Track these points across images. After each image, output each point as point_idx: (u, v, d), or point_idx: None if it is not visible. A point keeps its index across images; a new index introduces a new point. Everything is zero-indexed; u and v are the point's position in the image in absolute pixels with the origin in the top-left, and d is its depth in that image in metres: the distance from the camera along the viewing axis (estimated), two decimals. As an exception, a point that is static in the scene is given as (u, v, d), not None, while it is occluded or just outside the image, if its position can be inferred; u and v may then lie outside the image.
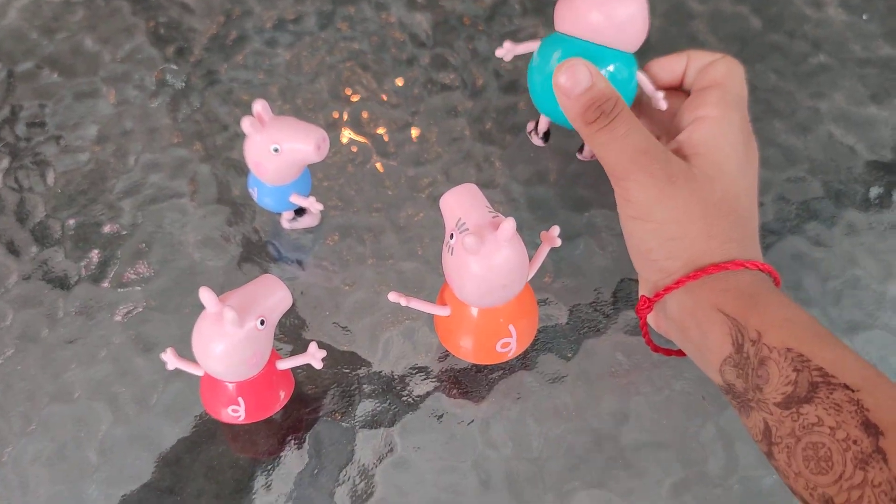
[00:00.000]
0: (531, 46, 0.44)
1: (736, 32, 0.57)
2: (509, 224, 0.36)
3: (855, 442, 0.30)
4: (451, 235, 0.37)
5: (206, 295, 0.36)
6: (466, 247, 0.35)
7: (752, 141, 0.41)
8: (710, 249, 0.38)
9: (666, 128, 0.43)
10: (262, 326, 0.37)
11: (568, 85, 0.38)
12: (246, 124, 0.42)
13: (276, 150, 0.42)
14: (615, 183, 0.39)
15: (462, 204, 0.38)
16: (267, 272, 0.47)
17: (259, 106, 0.42)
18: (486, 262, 0.36)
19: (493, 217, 0.37)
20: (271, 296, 0.38)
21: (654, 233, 0.38)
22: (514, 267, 0.37)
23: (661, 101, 0.43)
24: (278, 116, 0.43)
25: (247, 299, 0.37)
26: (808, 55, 0.56)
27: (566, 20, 0.42)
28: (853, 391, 0.31)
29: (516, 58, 0.45)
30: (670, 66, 0.44)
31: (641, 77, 0.42)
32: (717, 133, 0.39)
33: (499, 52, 0.45)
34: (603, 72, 0.40)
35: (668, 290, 0.38)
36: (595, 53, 0.41)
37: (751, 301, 0.36)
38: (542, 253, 0.41)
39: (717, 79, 0.41)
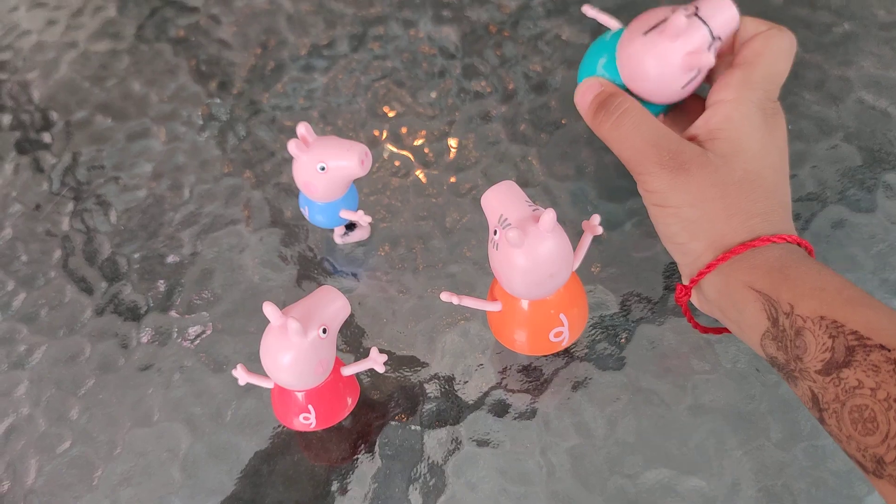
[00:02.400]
0: (611, 23, 0.45)
1: (758, 10, 0.57)
2: (549, 215, 0.37)
3: None
4: (495, 232, 0.39)
5: (269, 309, 0.38)
6: (510, 240, 0.37)
7: (776, 116, 0.41)
8: (732, 228, 0.38)
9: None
10: (325, 335, 0.39)
11: (579, 98, 0.44)
12: (292, 147, 0.44)
13: (322, 169, 0.44)
14: (633, 175, 0.41)
15: (502, 200, 0.39)
16: (324, 287, 0.49)
17: (303, 128, 0.44)
18: (531, 253, 0.37)
19: (534, 210, 0.38)
20: (330, 305, 0.40)
21: (674, 216, 0.40)
22: (559, 256, 0.38)
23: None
24: (321, 136, 0.45)
25: (308, 310, 0.39)
26: (832, 25, 0.56)
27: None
28: (890, 350, 0.31)
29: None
30: None
31: None
32: (732, 116, 0.40)
33: (586, 10, 0.46)
34: None
35: (701, 275, 0.39)
36: None
37: (780, 275, 0.36)
38: (586, 242, 0.42)
39: (746, 57, 0.41)
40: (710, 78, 0.44)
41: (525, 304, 0.41)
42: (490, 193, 0.40)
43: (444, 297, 0.41)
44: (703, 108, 0.45)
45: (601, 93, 0.42)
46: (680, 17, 0.39)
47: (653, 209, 0.41)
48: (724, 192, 0.39)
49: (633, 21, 0.42)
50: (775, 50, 0.41)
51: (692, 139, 0.40)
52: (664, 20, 0.41)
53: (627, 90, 0.43)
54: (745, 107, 0.40)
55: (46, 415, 0.47)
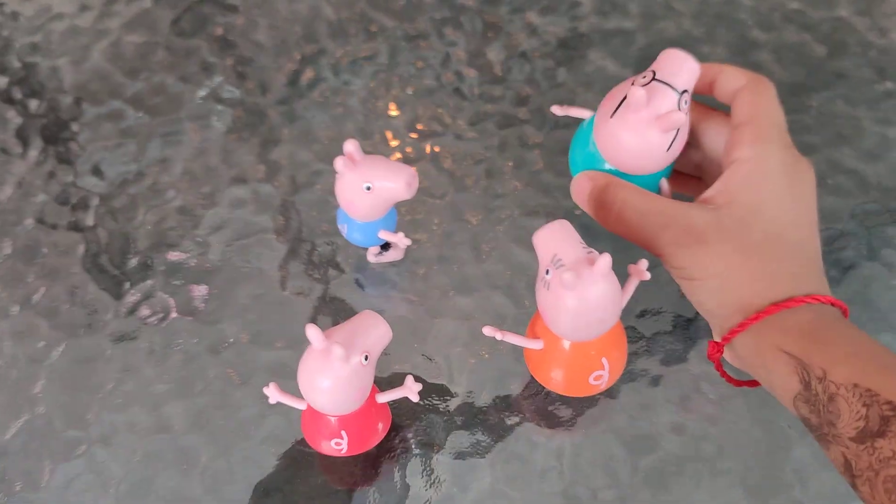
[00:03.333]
0: (583, 113, 0.46)
1: (801, 60, 0.58)
2: (605, 260, 0.36)
3: None
4: (547, 271, 0.38)
5: (312, 332, 0.37)
6: (564, 283, 0.36)
7: (799, 166, 0.40)
8: (758, 292, 0.38)
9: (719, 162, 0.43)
10: (366, 362, 0.38)
11: (577, 197, 0.43)
12: (339, 164, 0.43)
13: (368, 189, 0.44)
14: (655, 255, 0.41)
15: (557, 240, 0.39)
16: (354, 305, 0.49)
17: (350, 146, 0.43)
18: (583, 296, 0.37)
19: (588, 253, 0.38)
20: (373, 331, 0.39)
21: (701, 288, 0.40)
22: (610, 301, 0.38)
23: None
24: (368, 155, 0.44)
25: (351, 335, 0.38)
26: (874, 82, 0.57)
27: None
28: None
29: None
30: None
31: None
32: (752, 176, 0.39)
33: (555, 109, 0.46)
34: None
35: (733, 333, 0.39)
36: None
37: (812, 338, 0.36)
38: (632, 286, 0.42)
39: (748, 113, 0.40)
40: (693, 138, 0.44)
41: (567, 344, 0.41)
42: (544, 232, 0.39)
43: (487, 331, 0.41)
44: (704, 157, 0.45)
45: (594, 188, 0.42)
46: (637, 91, 0.39)
47: (680, 282, 0.41)
48: (745, 258, 0.38)
49: (599, 106, 0.42)
50: (769, 98, 0.41)
51: (708, 201, 0.40)
52: (626, 96, 0.40)
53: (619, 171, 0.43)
54: (765, 164, 0.39)
55: (63, 416, 0.46)
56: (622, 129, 0.40)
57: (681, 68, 0.40)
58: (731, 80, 0.42)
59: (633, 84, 0.41)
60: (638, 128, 0.40)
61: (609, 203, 0.41)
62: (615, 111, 0.41)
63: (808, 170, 0.41)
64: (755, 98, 0.41)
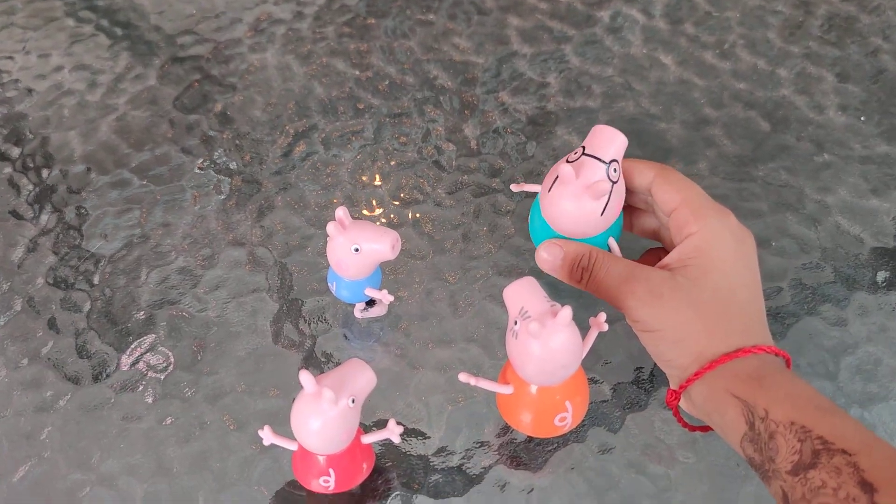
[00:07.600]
0: (535, 188, 0.51)
1: (747, 134, 0.64)
2: (567, 312, 0.41)
3: (854, 500, 0.35)
4: (515, 322, 0.43)
5: (305, 377, 0.41)
6: (531, 332, 0.41)
7: (741, 236, 0.45)
8: (713, 344, 0.43)
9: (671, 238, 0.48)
10: (353, 404, 0.43)
11: (547, 264, 0.47)
12: (330, 228, 0.48)
13: (356, 251, 0.48)
14: (619, 309, 0.45)
15: (524, 294, 0.43)
16: (341, 358, 0.53)
17: (341, 212, 0.48)
18: (547, 345, 0.42)
19: (552, 306, 0.43)
20: (360, 377, 0.43)
21: (660, 339, 0.44)
22: (571, 349, 0.42)
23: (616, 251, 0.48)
24: (357, 220, 0.49)
25: (339, 380, 0.43)
26: (814, 154, 0.63)
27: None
28: (850, 455, 0.36)
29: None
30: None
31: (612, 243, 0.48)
32: (701, 245, 0.44)
33: (513, 188, 0.52)
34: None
35: (689, 381, 0.44)
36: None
37: (757, 383, 0.41)
38: (592, 336, 0.46)
39: (677, 198, 0.45)
40: (649, 206, 0.49)
41: (534, 389, 0.45)
42: (513, 287, 0.44)
43: (462, 377, 0.45)
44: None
45: (565, 256, 0.47)
46: (565, 168, 0.45)
47: (641, 335, 0.45)
48: (699, 312, 0.43)
49: (543, 182, 0.48)
50: (683, 180, 0.46)
51: (664, 267, 0.45)
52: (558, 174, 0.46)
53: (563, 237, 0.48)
54: (711, 234, 0.44)
55: (68, 460, 0.49)
56: (559, 200, 0.46)
57: (607, 142, 0.46)
58: (642, 173, 0.47)
59: (565, 160, 0.46)
60: (571, 198, 0.46)
61: (582, 266, 0.46)
62: (551, 186, 0.46)
63: (749, 236, 0.46)
64: (674, 184, 0.46)
